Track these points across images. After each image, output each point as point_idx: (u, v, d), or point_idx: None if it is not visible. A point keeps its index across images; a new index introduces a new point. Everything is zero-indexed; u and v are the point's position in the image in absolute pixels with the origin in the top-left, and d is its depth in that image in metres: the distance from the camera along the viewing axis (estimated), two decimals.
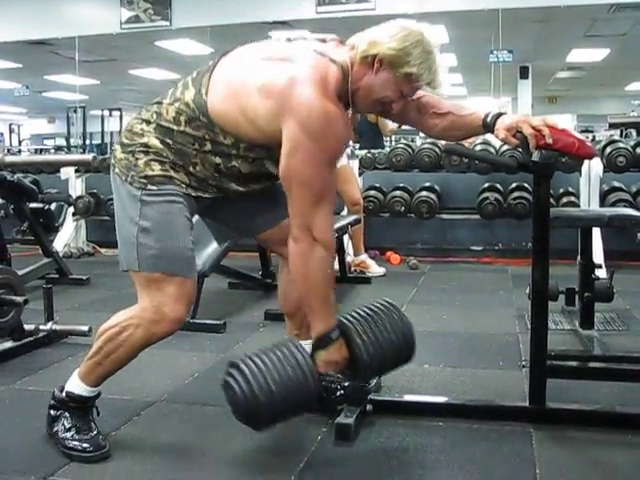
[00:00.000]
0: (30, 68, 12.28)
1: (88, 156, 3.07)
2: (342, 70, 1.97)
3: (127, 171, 2.02)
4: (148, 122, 2.05)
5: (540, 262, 2.30)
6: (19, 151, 16.47)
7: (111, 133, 14.75)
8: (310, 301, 2.04)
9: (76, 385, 2.15)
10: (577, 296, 3.44)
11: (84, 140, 12.92)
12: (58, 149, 16.79)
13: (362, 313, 2.13)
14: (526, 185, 5.64)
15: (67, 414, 2.15)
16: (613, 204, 5.30)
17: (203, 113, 1.98)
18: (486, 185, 5.88)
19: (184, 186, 2.03)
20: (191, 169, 2.03)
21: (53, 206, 4.83)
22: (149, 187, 1.99)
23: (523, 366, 2.99)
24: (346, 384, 2.44)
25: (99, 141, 14.35)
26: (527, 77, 11.26)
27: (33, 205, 4.62)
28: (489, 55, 8.21)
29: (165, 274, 2.00)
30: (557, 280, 3.21)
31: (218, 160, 2.03)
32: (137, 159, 2.01)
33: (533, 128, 2.03)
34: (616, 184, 5.62)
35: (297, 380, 1.92)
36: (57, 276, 4.97)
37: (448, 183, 6.17)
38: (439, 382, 2.84)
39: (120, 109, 13.43)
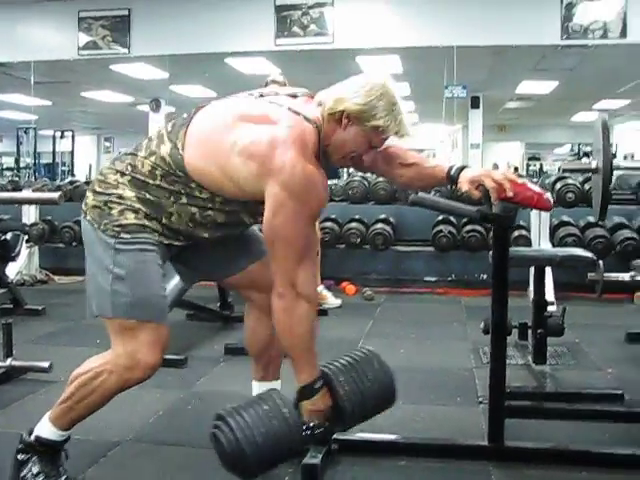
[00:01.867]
0: None
1: (55, 195, 3.07)
2: (316, 128, 2.03)
3: (100, 219, 2.04)
4: (122, 174, 2.07)
5: (498, 305, 2.41)
6: None
7: (62, 153, 14.62)
8: (294, 353, 2.07)
9: (46, 429, 2.14)
10: (530, 331, 3.55)
11: (35, 160, 12.75)
12: (6, 169, 16.54)
13: (344, 362, 2.18)
14: None
15: (36, 458, 2.13)
16: (562, 238, 5.47)
17: (180, 168, 2.02)
18: (440, 218, 6.00)
19: (157, 234, 2.06)
20: (164, 220, 2.06)
21: (9, 235, 4.78)
22: (122, 235, 2.01)
23: (480, 402, 3.10)
24: (312, 424, 2.49)
25: (47, 160, 14.16)
26: (478, 107, 11.54)
27: None
28: (444, 90, 8.43)
29: (139, 321, 2.02)
30: (509, 312, 3.31)
31: (194, 210, 2.07)
32: (111, 208, 2.04)
33: (494, 182, 2.13)
34: (565, 218, 5.79)
35: (282, 432, 1.97)
36: (11, 306, 4.92)
37: (403, 215, 6.26)
38: (400, 419, 2.89)
39: (72, 130, 13.31)
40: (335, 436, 2.47)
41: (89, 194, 2.12)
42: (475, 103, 11.49)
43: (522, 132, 18.79)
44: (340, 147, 2.08)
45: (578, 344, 4.09)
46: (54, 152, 13.84)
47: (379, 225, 6.03)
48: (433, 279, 6.22)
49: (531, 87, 11.87)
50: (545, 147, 21.20)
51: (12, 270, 5.94)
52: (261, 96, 2.14)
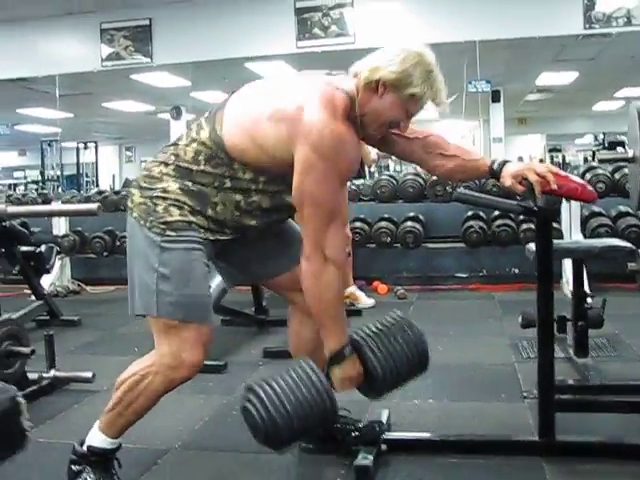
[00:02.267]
0: (1, 102, 12.23)
1: (93, 206, 3.09)
2: (349, 97, 2.02)
3: (146, 216, 2.04)
4: (166, 164, 2.08)
5: (544, 299, 2.38)
6: None
7: (84, 164, 14.74)
8: (322, 319, 2.06)
9: (97, 438, 2.15)
10: (569, 323, 3.52)
11: (61, 173, 12.86)
12: (32, 182, 16.71)
13: (373, 328, 2.15)
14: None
15: (89, 469, 2.14)
16: (594, 229, 5.42)
17: (221, 149, 2.02)
18: (470, 214, 5.98)
19: (202, 230, 2.05)
20: (210, 212, 2.05)
21: (43, 248, 4.82)
22: (168, 233, 2.01)
23: (525, 397, 3.08)
24: (361, 425, 2.49)
25: (70, 172, 14.26)
26: (499, 100, 11.47)
27: (24, 248, 4.62)
28: (467, 85, 8.39)
29: (184, 321, 2.03)
30: None
31: (239, 197, 2.06)
32: (156, 204, 2.04)
33: (538, 175, 2.12)
34: (596, 209, 5.74)
35: (312, 399, 1.94)
36: (48, 318, 4.97)
37: (432, 212, 6.26)
38: (445, 417, 2.89)
39: (96, 142, 13.41)
40: (384, 436, 2.48)
41: (134, 191, 2.12)
42: (496, 97, 11.41)
43: (542, 124, 18.63)
44: (376, 116, 2.06)
45: (618, 335, 4.05)
46: (78, 164, 13.95)
47: (409, 223, 6.01)
48: (464, 275, 6.20)
49: (551, 79, 11.79)
50: (566, 138, 21.01)
51: (46, 282, 6.01)
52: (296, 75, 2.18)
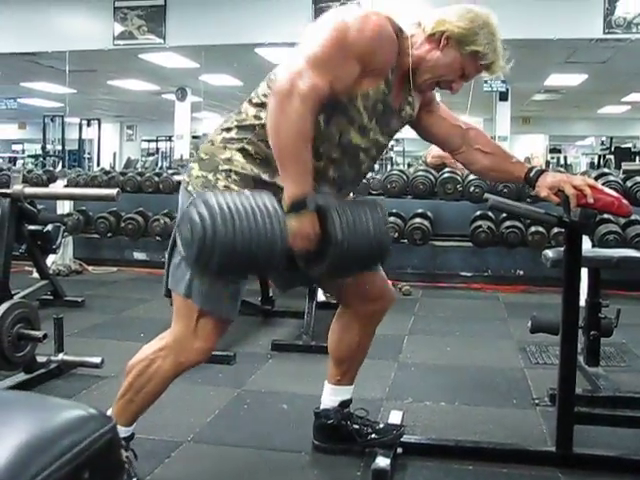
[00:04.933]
0: (6, 75, 12.13)
1: (113, 191, 3.04)
2: (402, 33, 1.98)
3: (203, 190, 1.93)
4: (229, 129, 2.00)
5: (570, 311, 2.37)
6: None
7: (84, 141, 14.66)
8: (282, 158, 1.84)
9: None
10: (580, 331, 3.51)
11: (63, 148, 12.78)
12: (31, 156, 16.61)
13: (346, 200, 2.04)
14: None
15: None
16: (603, 236, 5.41)
17: None
18: (478, 213, 5.95)
19: None
20: (276, 179, 1.91)
21: (50, 227, 4.77)
22: None
23: (537, 404, 3.08)
24: (380, 426, 2.48)
25: (70, 148, 14.11)
26: (507, 99, 11.47)
27: (32, 227, 4.57)
28: (483, 84, 8.35)
29: (209, 311, 1.99)
30: (548, 308, 3.27)
31: None
32: (217, 179, 1.95)
33: (574, 188, 2.09)
34: (605, 215, 5.72)
35: (264, 228, 1.72)
36: (51, 297, 4.93)
37: (441, 210, 6.23)
38: (458, 421, 2.88)
39: (99, 119, 13.33)
40: (401, 439, 2.47)
41: (194, 165, 2.04)
42: (503, 96, 11.41)
43: (546, 124, 18.65)
44: (432, 68, 2.00)
45: (626, 345, 4.05)
46: (80, 140, 13.85)
47: (417, 219, 5.98)
48: (469, 274, 6.18)
49: (560, 80, 11.80)
50: (568, 139, 21.05)
51: (48, 260, 5.97)
52: None
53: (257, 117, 1.97)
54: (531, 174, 2.17)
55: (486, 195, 2.27)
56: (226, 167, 1.96)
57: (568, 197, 2.10)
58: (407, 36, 1.99)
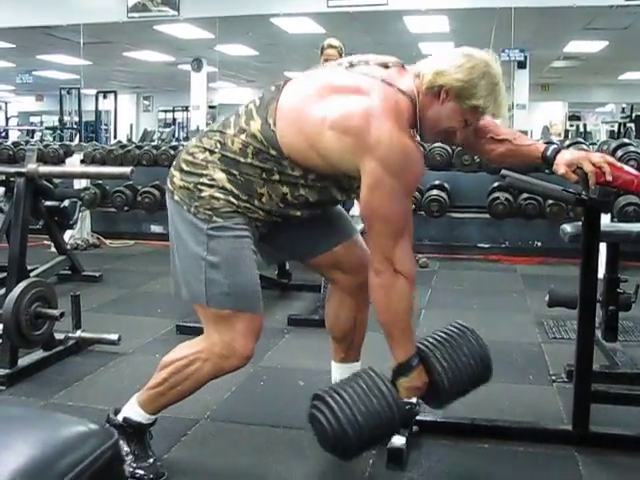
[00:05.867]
0: (23, 48, 12.13)
1: (127, 169, 3.02)
2: (411, 101, 1.96)
3: (190, 201, 1.98)
4: (212, 152, 2.00)
5: (588, 288, 2.34)
6: (5, 132, 16.30)
7: (101, 113, 14.65)
8: (391, 331, 2.03)
9: (134, 412, 2.14)
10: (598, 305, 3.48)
11: (80, 120, 12.77)
12: (49, 129, 16.64)
13: (439, 338, 2.15)
14: None
15: (124, 439, 2.13)
16: (622, 207, 5.34)
17: (272, 145, 1.94)
18: (496, 185, 5.90)
19: (249, 217, 2.01)
20: (256, 202, 2.00)
21: (67, 202, 4.78)
22: (215, 219, 1.96)
23: (553, 380, 3.06)
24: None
25: (86, 119, 14.08)
26: (525, 67, 11.27)
27: (49, 203, 4.58)
28: (500, 54, 8.22)
29: (234, 310, 1.99)
30: (566, 281, 3.23)
31: (285, 190, 2.01)
32: (201, 190, 1.98)
33: (593, 165, 2.05)
34: None
35: (382, 410, 1.94)
36: (69, 272, 4.96)
37: (458, 181, 6.18)
38: (474, 398, 2.84)
39: (115, 91, 13.30)
40: (417, 418, 2.47)
41: (175, 172, 2.06)
42: (522, 63, 11.19)
43: (565, 91, 18.36)
44: (434, 122, 1.99)
45: None
46: (96, 112, 13.82)
47: (434, 191, 5.95)
48: (486, 246, 6.16)
49: (580, 46, 11.61)
50: (587, 106, 20.74)
51: (66, 235, 6.00)
52: (351, 66, 2.04)
53: (242, 153, 1.98)
54: (548, 153, 2.13)
55: (503, 172, 2.22)
56: (209, 182, 1.98)
57: (587, 174, 2.06)
58: (416, 100, 1.97)
